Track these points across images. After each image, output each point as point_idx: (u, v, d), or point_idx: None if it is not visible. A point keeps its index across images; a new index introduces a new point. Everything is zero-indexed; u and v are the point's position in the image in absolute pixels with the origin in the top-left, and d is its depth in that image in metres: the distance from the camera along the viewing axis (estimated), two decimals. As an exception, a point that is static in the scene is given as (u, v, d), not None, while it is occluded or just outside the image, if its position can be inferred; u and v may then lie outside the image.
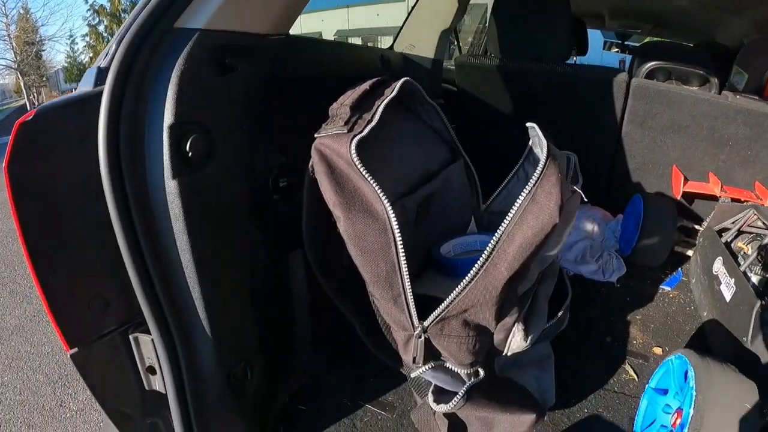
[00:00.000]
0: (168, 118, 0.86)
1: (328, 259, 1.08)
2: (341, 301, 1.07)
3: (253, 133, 1.07)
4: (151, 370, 1.01)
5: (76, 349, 0.89)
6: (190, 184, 0.91)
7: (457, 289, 0.92)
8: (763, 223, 1.66)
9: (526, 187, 0.91)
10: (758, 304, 1.30)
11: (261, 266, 1.16)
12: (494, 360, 1.11)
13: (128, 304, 0.93)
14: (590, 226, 1.75)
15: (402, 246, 0.92)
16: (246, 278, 1.10)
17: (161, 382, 1.00)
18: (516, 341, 1.05)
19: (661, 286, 1.74)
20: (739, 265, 1.49)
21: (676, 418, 1.20)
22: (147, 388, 1.02)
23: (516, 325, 1.03)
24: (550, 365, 1.25)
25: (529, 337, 1.06)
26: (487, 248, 0.90)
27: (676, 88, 1.90)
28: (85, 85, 0.87)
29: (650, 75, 2.26)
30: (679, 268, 1.82)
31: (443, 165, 1.25)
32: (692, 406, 1.05)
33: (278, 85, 1.16)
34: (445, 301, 0.93)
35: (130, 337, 0.97)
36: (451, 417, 1.11)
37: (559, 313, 1.18)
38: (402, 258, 0.92)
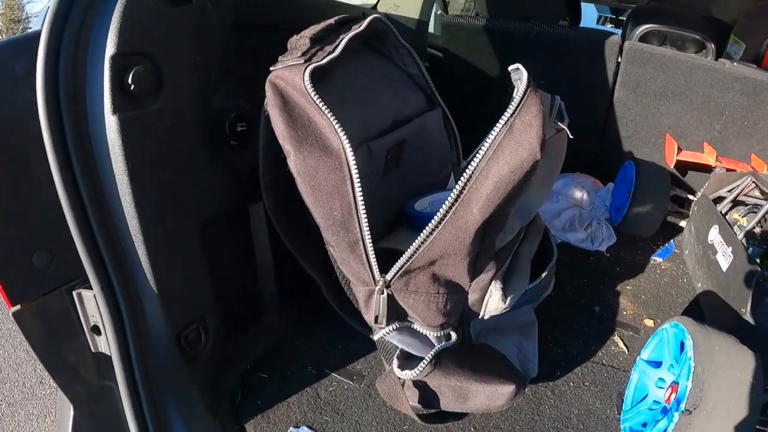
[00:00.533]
0: (110, 48, 0.78)
1: (288, 209, 0.95)
2: (303, 257, 0.94)
3: (211, 74, 0.97)
4: (96, 330, 0.92)
5: (18, 307, 0.82)
6: (133, 121, 0.82)
7: (422, 234, 0.79)
8: (762, 192, 1.54)
9: (503, 117, 0.77)
10: (759, 272, 1.18)
11: (215, 218, 1.03)
12: (470, 324, 0.97)
13: (76, 259, 0.83)
14: (579, 194, 1.62)
15: (360, 186, 0.79)
16: (197, 230, 0.99)
17: (106, 343, 0.91)
18: (493, 302, 0.92)
19: (652, 257, 1.62)
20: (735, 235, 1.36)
21: (671, 393, 1.08)
22: (93, 350, 0.92)
23: (493, 283, 0.90)
24: (533, 333, 1.12)
25: (509, 299, 0.93)
26: (457, 186, 0.77)
27: (670, 52, 1.78)
28: (38, 24, 0.78)
29: (644, 39, 2.12)
30: (672, 240, 1.69)
31: (418, 112, 1.11)
32: (690, 378, 0.92)
33: (245, 31, 1.06)
34: (409, 249, 0.80)
35: (74, 293, 0.87)
36: (420, 387, 0.98)
37: (543, 274, 1.05)
38: (360, 199, 0.79)
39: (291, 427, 1.04)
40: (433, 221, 0.77)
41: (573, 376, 1.21)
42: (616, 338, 1.33)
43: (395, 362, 0.88)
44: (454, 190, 0.76)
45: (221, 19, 0.97)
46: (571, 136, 0.97)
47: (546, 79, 1.76)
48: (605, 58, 1.75)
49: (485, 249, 0.86)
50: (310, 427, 1.04)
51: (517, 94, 0.79)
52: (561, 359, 1.24)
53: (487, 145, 0.77)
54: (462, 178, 0.76)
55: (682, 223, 1.72)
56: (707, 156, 1.78)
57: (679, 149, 1.80)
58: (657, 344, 1.20)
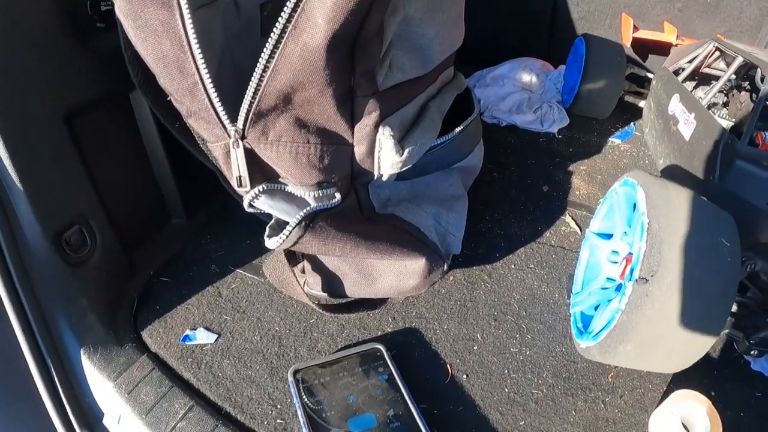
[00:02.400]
0: None
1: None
2: (187, 141, 0.73)
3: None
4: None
5: None
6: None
7: (261, 58, 0.58)
8: (726, 62, 1.31)
9: None
10: (725, 132, 0.97)
11: (86, 107, 0.87)
12: (369, 190, 0.77)
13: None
14: (527, 77, 1.41)
15: (191, 20, 0.59)
16: (62, 121, 0.83)
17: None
18: (387, 154, 0.72)
19: (610, 139, 1.40)
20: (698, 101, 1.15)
21: (625, 267, 0.87)
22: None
23: (381, 130, 0.70)
24: (458, 207, 0.93)
25: (406, 151, 0.73)
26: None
27: None
28: None
29: None
30: (632, 123, 1.47)
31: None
32: (644, 238, 0.72)
33: None
34: (252, 80, 0.59)
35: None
36: (321, 270, 0.79)
37: (458, 129, 0.84)
38: (192, 34, 0.60)
39: (187, 330, 0.85)
40: (270, 39, 0.56)
41: (515, 258, 1.01)
42: (567, 218, 1.13)
43: (266, 232, 0.68)
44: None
45: None
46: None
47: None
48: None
49: (361, 84, 0.65)
50: (207, 328, 0.86)
51: None
52: (501, 240, 1.04)
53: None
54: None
55: (642, 104, 1.50)
56: (667, 35, 1.55)
57: (636, 27, 1.57)
58: (607, 211, 1.00)
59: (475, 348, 0.86)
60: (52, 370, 0.81)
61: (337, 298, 0.88)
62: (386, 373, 0.77)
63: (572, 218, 1.13)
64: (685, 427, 0.72)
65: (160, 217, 1.04)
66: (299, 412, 0.73)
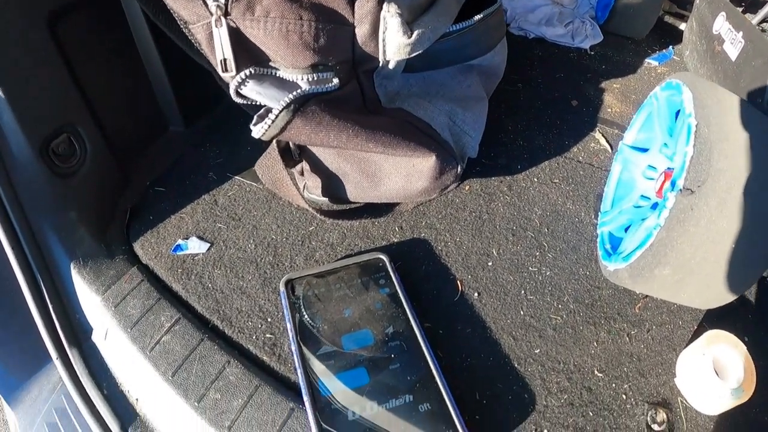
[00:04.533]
0: None
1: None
2: (170, 28, 0.60)
3: None
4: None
5: None
6: None
7: None
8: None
9: None
10: None
11: (70, 7, 0.74)
12: (374, 81, 0.62)
13: None
14: (558, -10, 1.21)
15: None
16: (44, 20, 0.71)
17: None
18: (392, 36, 0.57)
19: (646, 60, 1.21)
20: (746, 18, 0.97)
21: (663, 183, 0.72)
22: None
23: (385, 6, 0.54)
24: (477, 108, 0.77)
25: (415, 33, 0.57)
26: None
27: None
28: None
29: None
30: (671, 46, 1.27)
31: None
32: (691, 142, 0.56)
33: None
34: None
35: None
36: (319, 171, 0.66)
37: (477, 17, 0.68)
38: None
39: (179, 240, 0.73)
40: None
41: (538, 172, 0.86)
42: (598, 135, 0.96)
43: (253, 121, 0.55)
44: None
45: None
46: None
47: None
48: None
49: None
50: (200, 237, 0.74)
51: None
52: (523, 152, 0.89)
53: None
54: None
55: (682, 26, 1.29)
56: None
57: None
58: (644, 121, 0.84)
59: (490, 264, 0.72)
60: (42, 285, 0.72)
61: (339, 203, 0.75)
62: (388, 287, 0.65)
63: (603, 135, 0.96)
64: (715, 372, 0.58)
65: (157, 126, 0.91)
66: (288, 326, 0.61)
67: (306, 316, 0.62)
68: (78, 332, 0.73)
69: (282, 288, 0.65)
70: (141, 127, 0.89)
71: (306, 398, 0.56)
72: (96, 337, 0.71)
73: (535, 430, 0.59)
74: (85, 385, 0.69)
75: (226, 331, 0.65)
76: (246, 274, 0.71)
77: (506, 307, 0.69)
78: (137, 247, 0.76)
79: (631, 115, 1.04)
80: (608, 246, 0.78)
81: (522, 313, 0.69)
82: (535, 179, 0.85)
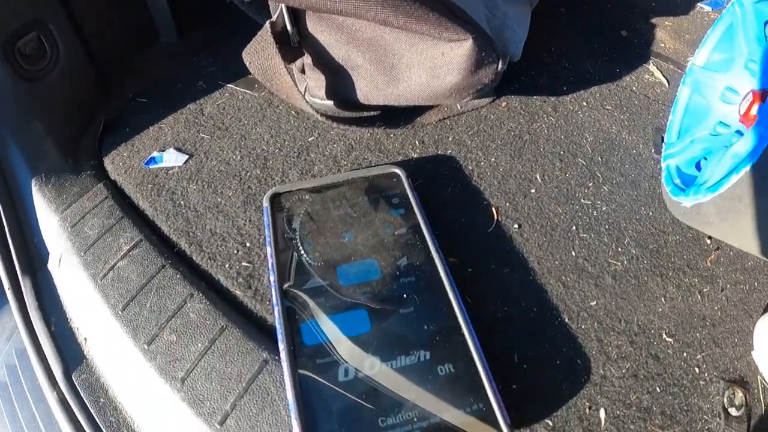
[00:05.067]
0: None
1: None
2: None
3: None
4: None
5: None
6: None
7: None
8: None
9: None
10: None
11: None
12: None
13: None
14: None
15: None
16: None
17: None
18: None
19: (699, 4, 0.94)
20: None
21: (751, 105, 0.47)
22: None
23: None
24: (520, 7, 0.53)
25: None
26: None
27: None
28: None
29: None
30: (724, -8, 1.00)
31: None
32: None
33: None
34: None
35: None
36: (324, 65, 0.44)
37: None
38: None
39: (154, 152, 0.51)
40: None
41: (587, 96, 0.62)
42: (652, 67, 0.72)
43: None
44: None
45: None
46: None
47: None
48: None
49: None
50: (178, 149, 0.52)
51: None
52: (569, 74, 0.65)
53: None
54: None
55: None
56: None
57: None
58: (721, 36, 0.59)
59: (533, 191, 0.50)
60: (-3, 202, 0.52)
61: (346, 108, 0.53)
62: (403, 207, 0.42)
63: (658, 68, 0.71)
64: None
65: (146, 35, 0.70)
66: (269, 251, 0.39)
67: (292, 239, 0.40)
68: (34, 258, 0.53)
69: (266, 203, 0.43)
70: (127, 33, 0.68)
71: (283, 347, 0.35)
72: (51, 264, 0.50)
73: (590, 407, 0.37)
74: (33, 321, 0.48)
75: (193, 257, 0.44)
76: (226, 189, 0.49)
77: (554, 245, 0.46)
78: (108, 162, 0.55)
79: (686, 54, 0.80)
80: (678, 180, 0.55)
81: (574, 253, 0.46)
82: (584, 103, 0.62)
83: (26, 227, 0.55)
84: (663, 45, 0.81)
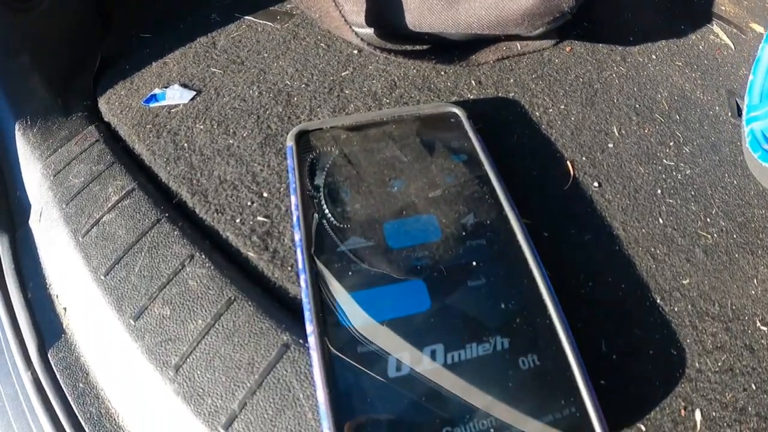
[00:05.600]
0: None
1: None
2: None
3: None
4: None
5: None
6: None
7: None
8: None
9: None
10: None
11: None
12: None
13: None
14: None
15: None
16: None
17: None
18: None
19: None
20: None
21: None
22: None
23: None
24: None
25: None
26: None
27: None
28: None
29: None
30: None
31: None
32: None
33: None
34: None
35: None
36: None
37: None
38: None
39: (156, 89, 0.38)
40: None
41: (655, 49, 0.49)
42: (716, 29, 0.58)
43: None
44: None
45: None
46: None
47: None
48: None
49: None
50: (184, 85, 0.38)
51: None
52: (632, 25, 0.54)
53: None
54: None
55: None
56: None
57: None
58: None
59: (611, 146, 0.37)
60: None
61: (390, 39, 0.39)
62: (465, 153, 0.29)
63: (722, 30, 0.58)
64: None
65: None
66: (294, 202, 0.26)
67: (324, 187, 0.27)
68: (15, 213, 0.40)
69: (290, 143, 0.30)
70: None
71: (311, 328, 0.22)
72: (32, 220, 0.37)
73: (685, 408, 0.25)
74: (8, 286, 0.35)
75: (196, 210, 0.31)
76: (240, 129, 0.36)
77: (639, 209, 0.34)
78: (102, 102, 0.42)
79: (747, 20, 0.66)
80: (766, 146, 0.41)
81: (661, 221, 0.33)
82: (653, 56, 0.48)
83: (8, 178, 0.42)
84: (723, 8, 0.67)
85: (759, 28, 0.66)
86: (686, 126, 0.43)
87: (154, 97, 0.40)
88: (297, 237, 0.26)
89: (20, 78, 0.43)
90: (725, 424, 0.27)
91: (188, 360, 0.26)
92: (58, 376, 0.31)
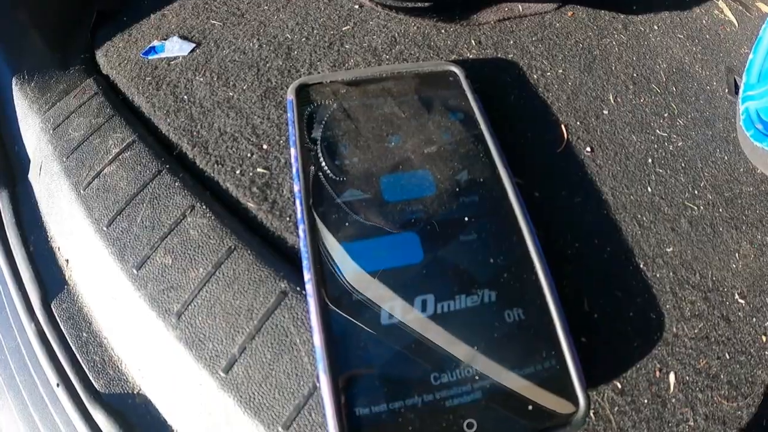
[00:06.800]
0: None
1: None
2: None
3: None
4: None
5: None
6: None
7: None
8: None
9: None
10: None
11: None
12: None
13: None
14: None
15: None
16: None
17: None
18: None
19: None
20: None
21: None
22: None
23: None
24: None
25: None
26: None
27: None
28: None
29: None
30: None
31: None
32: None
33: None
34: None
35: None
36: None
37: None
38: None
39: (155, 41, 0.37)
40: None
41: (656, 19, 0.48)
42: (721, 4, 0.57)
43: None
44: None
45: None
46: None
47: None
48: None
49: None
50: (183, 37, 0.38)
51: None
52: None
53: None
54: None
55: None
56: None
57: None
58: None
59: (605, 113, 0.37)
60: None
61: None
62: (462, 111, 0.29)
63: (726, 6, 0.57)
64: None
65: None
66: (293, 153, 0.26)
67: (323, 139, 0.27)
68: (15, 169, 0.39)
69: (291, 96, 0.30)
70: None
71: (308, 276, 0.22)
72: (32, 175, 0.37)
73: (660, 370, 0.26)
74: (10, 240, 0.35)
75: (196, 161, 0.31)
76: (240, 82, 0.35)
77: (629, 177, 0.34)
78: (100, 54, 0.41)
79: (751, -5, 0.65)
80: (759, 126, 0.42)
81: (650, 190, 0.34)
82: (655, 27, 0.48)
83: (5, 133, 0.42)
84: (725, -20, 0.66)
85: (765, 8, 0.65)
86: (682, 99, 0.43)
87: (153, 50, 0.40)
88: (296, 188, 0.27)
89: (16, 33, 0.42)
90: (697, 388, 0.28)
91: (189, 307, 0.27)
92: (61, 326, 0.31)
